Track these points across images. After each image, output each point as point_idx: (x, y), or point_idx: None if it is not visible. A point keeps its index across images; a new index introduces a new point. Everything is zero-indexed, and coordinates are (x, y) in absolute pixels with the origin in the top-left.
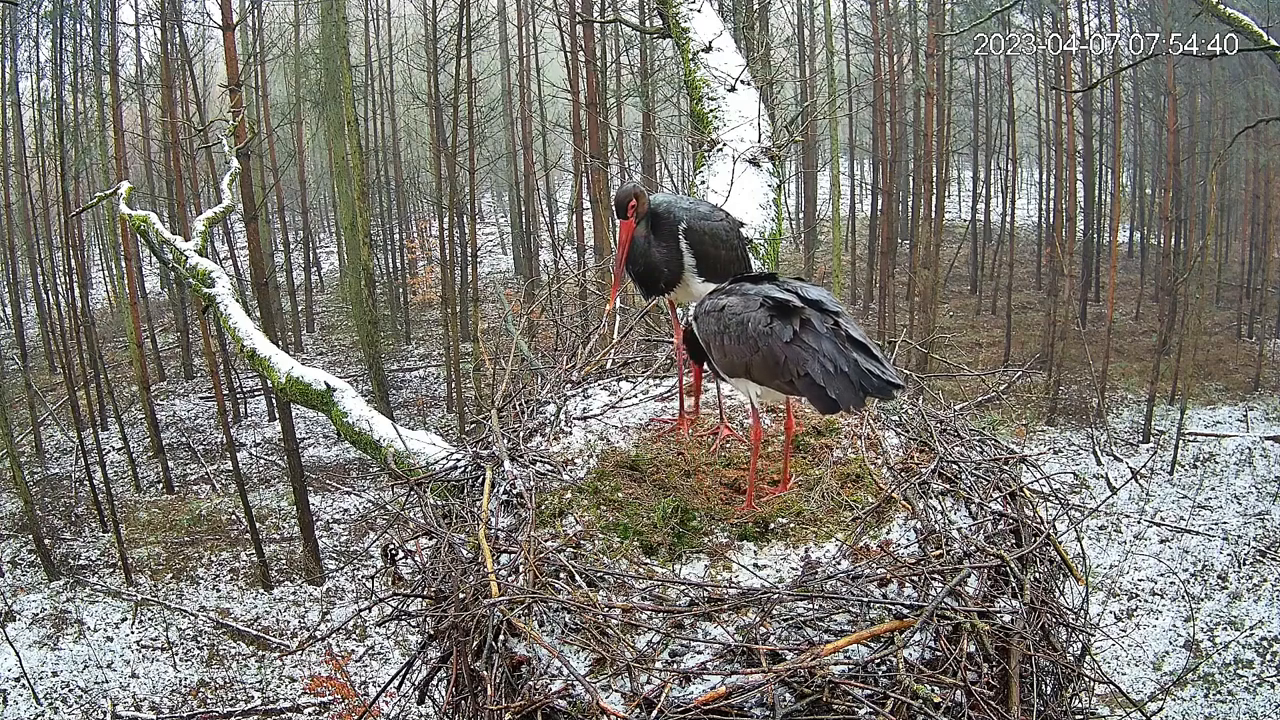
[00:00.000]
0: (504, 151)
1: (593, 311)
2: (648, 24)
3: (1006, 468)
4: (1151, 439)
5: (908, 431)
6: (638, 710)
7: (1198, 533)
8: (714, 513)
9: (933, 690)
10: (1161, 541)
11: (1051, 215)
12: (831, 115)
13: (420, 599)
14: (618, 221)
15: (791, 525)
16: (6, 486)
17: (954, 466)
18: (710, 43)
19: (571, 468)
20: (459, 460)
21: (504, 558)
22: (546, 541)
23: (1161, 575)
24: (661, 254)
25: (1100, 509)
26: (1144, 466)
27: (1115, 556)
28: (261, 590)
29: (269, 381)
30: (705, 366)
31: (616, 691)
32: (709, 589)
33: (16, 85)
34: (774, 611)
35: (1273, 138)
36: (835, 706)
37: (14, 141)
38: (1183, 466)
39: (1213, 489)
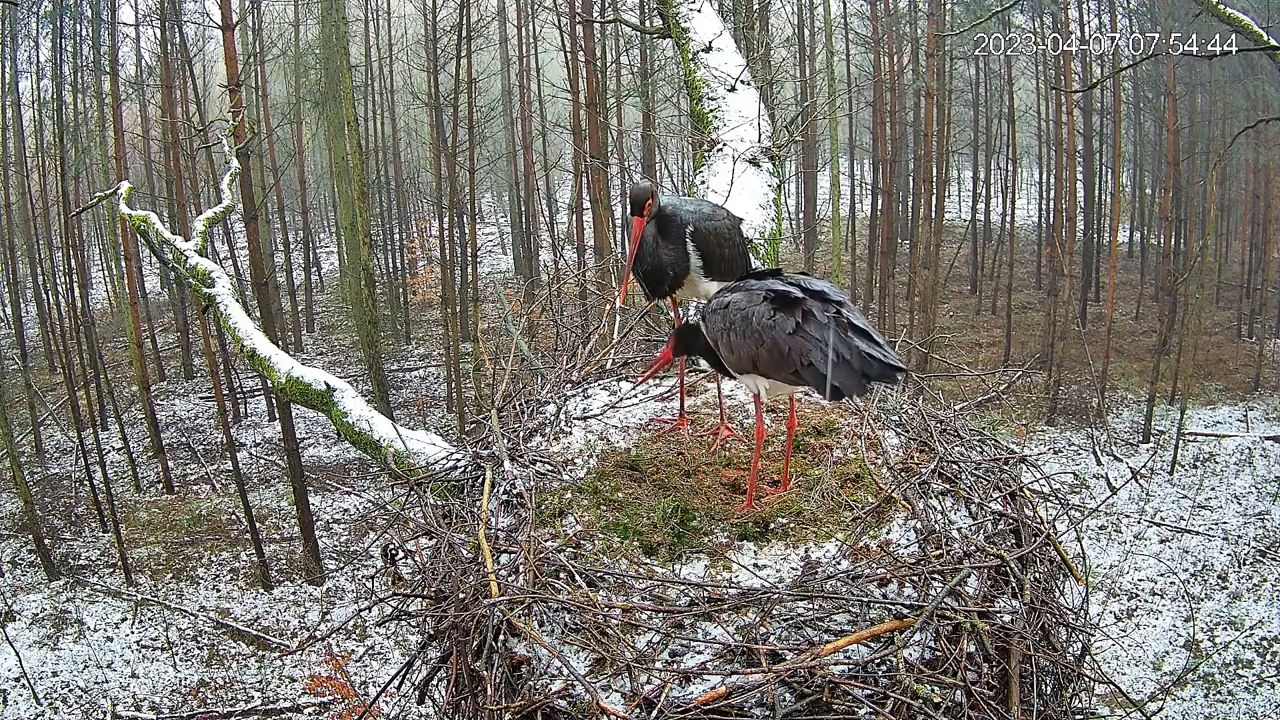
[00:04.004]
0: (504, 151)
1: (593, 311)
2: (648, 24)
3: (1006, 468)
4: (1151, 439)
5: (908, 431)
6: (638, 710)
7: (1198, 533)
8: (714, 513)
9: (933, 690)
10: (1161, 541)
11: (1051, 215)
12: (831, 115)
13: (420, 599)
14: (629, 219)
15: (791, 525)
16: (6, 486)
17: (954, 466)
18: (710, 43)
19: (571, 468)
20: (459, 460)
21: (504, 558)
22: (546, 541)
23: (1161, 575)
24: (669, 255)
25: (1100, 509)
26: (1144, 466)
27: (1115, 556)
28: (261, 590)
29: (269, 381)
30: (695, 359)
31: (616, 691)
32: (709, 589)
33: (16, 85)
34: (774, 611)
35: (1273, 138)
36: (835, 706)
37: (14, 141)
38: (1183, 466)
39: (1213, 489)
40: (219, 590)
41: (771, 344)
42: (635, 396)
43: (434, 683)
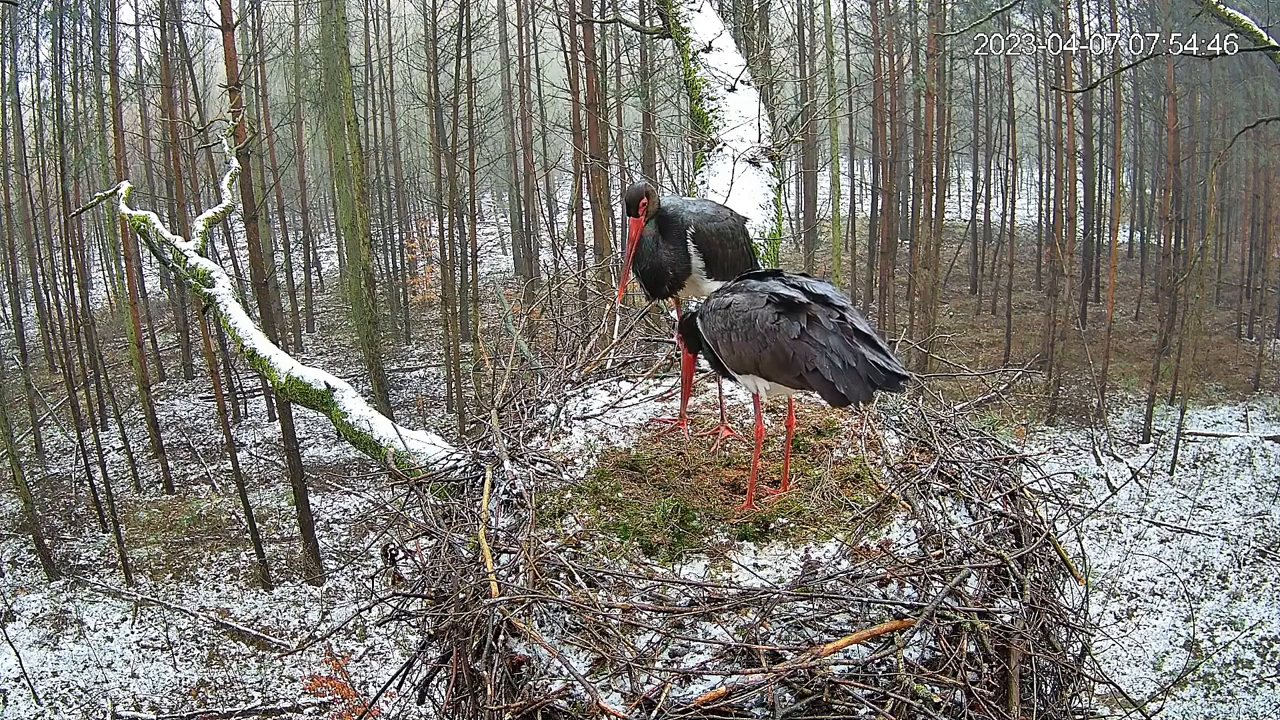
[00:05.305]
0: (504, 151)
1: (593, 311)
2: (648, 24)
3: (1006, 468)
4: (1151, 439)
5: (908, 431)
6: (638, 710)
7: (1198, 533)
8: (714, 513)
9: (933, 690)
10: (1161, 541)
11: (1051, 215)
12: (831, 115)
13: (420, 599)
14: (627, 219)
15: (791, 525)
16: (6, 486)
17: (954, 466)
18: (710, 43)
19: (571, 468)
20: (459, 460)
21: (504, 558)
22: (546, 541)
23: (1161, 575)
24: (669, 255)
25: (1100, 509)
26: (1144, 466)
27: (1115, 556)
28: (261, 590)
29: (269, 381)
30: (699, 356)
31: (616, 691)
32: (709, 589)
33: (16, 85)
34: (774, 611)
35: (1273, 138)
36: (835, 706)
37: (14, 141)
38: (1183, 466)
39: (1213, 489)
40: (219, 590)
41: (776, 348)
42: (635, 396)
43: (434, 683)
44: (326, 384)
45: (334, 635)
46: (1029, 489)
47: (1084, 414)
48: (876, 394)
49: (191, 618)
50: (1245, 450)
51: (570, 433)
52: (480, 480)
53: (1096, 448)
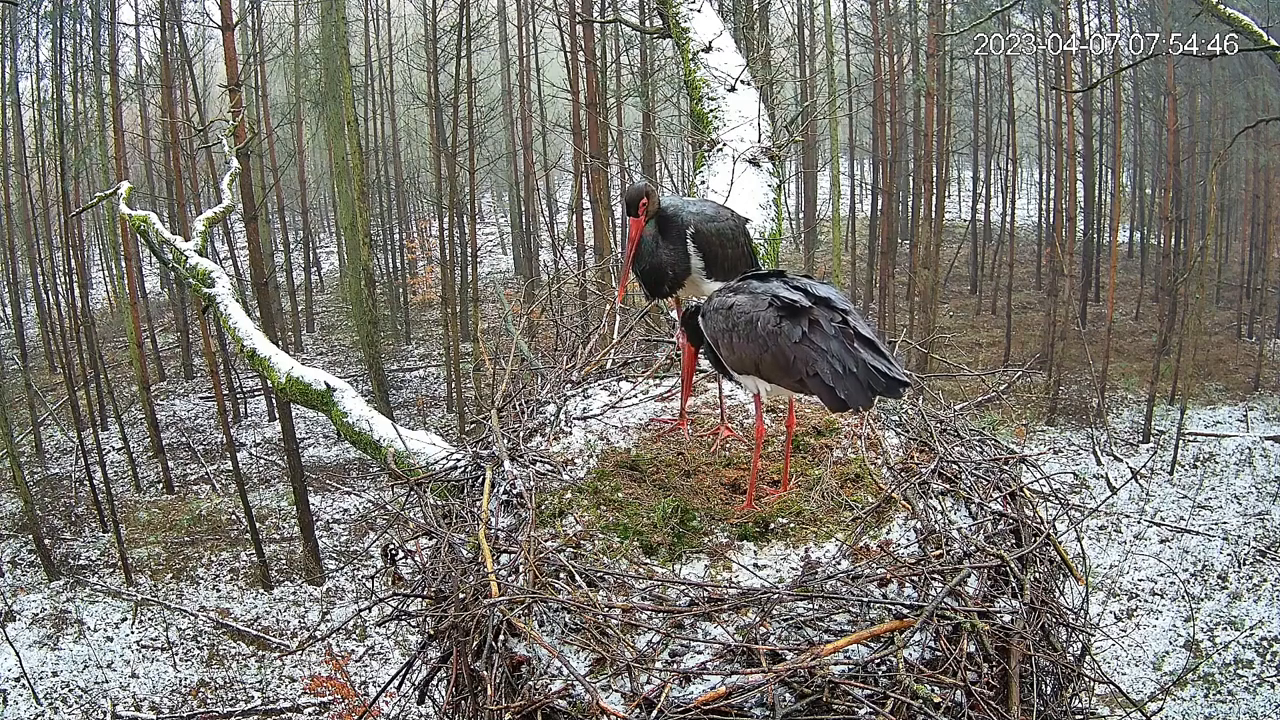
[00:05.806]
0: (504, 151)
1: (593, 311)
2: (648, 24)
3: (1006, 468)
4: (1151, 439)
5: (908, 431)
6: (638, 710)
7: (1198, 533)
8: (714, 513)
9: (933, 690)
10: (1161, 541)
11: (1051, 215)
12: (831, 115)
13: (420, 599)
14: (627, 219)
15: (791, 525)
16: (6, 486)
17: (954, 466)
18: (710, 43)
19: (571, 468)
20: (459, 460)
21: (504, 558)
22: (546, 541)
23: (1161, 575)
24: (669, 255)
25: (1100, 509)
26: (1144, 466)
27: (1115, 556)
28: (261, 590)
29: (269, 381)
30: (700, 353)
31: (616, 691)
32: (709, 589)
33: (16, 85)
34: (774, 611)
35: (1273, 138)
36: (835, 706)
37: (14, 141)
38: (1183, 466)
39: (1213, 489)
40: (219, 590)
41: (777, 351)
42: (635, 396)
43: (434, 683)
44: (326, 384)
45: (334, 635)
46: (1029, 489)
47: (1084, 414)
48: (876, 400)
49: (191, 618)
50: (1245, 450)
51: (570, 433)
52: (480, 480)
53: (1096, 448)
